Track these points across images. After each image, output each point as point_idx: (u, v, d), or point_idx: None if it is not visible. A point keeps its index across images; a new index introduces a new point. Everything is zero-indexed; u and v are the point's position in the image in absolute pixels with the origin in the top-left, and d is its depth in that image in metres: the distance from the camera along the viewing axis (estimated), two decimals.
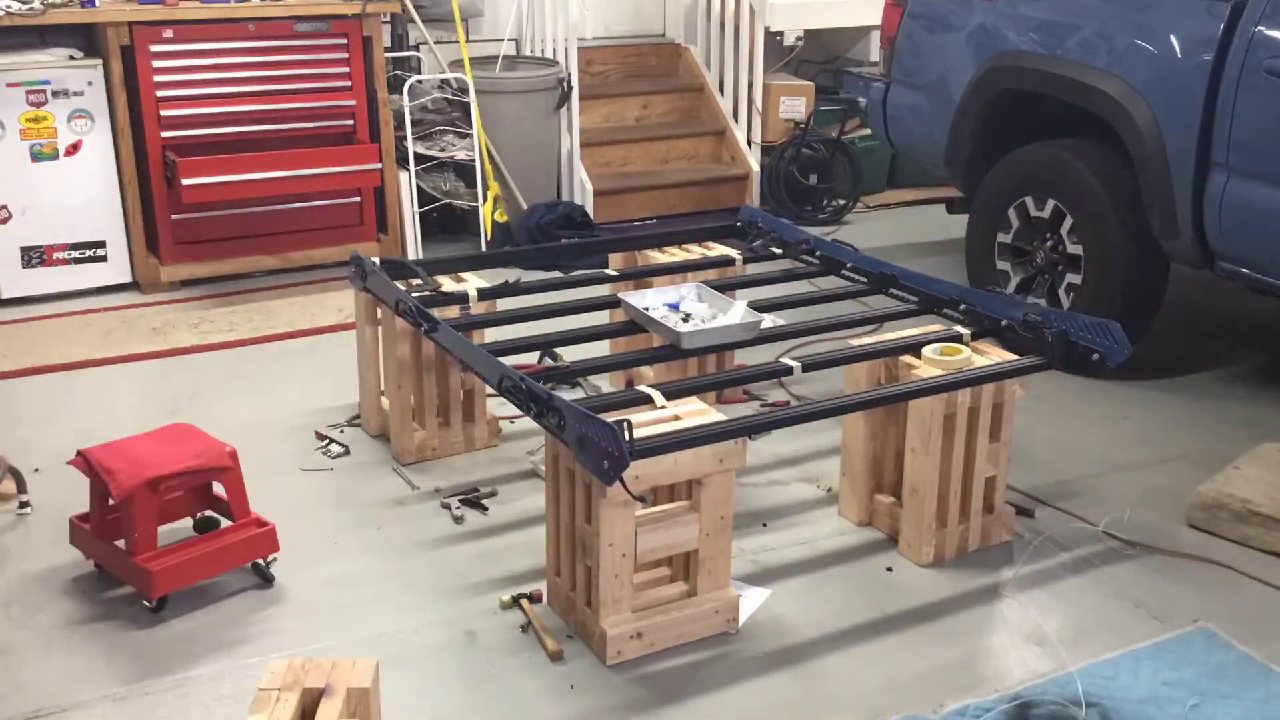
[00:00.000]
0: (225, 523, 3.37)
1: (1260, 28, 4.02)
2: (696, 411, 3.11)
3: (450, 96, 6.32)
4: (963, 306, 3.81)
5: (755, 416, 3.28)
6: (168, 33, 5.38)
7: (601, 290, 4.26)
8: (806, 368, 3.53)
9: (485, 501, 3.78)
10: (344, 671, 2.31)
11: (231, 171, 5.34)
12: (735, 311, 3.71)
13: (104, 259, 5.54)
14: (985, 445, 3.47)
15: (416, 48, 6.54)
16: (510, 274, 4.65)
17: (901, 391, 3.35)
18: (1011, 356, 3.51)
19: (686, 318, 3.72)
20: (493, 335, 3.96)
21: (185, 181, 5.24)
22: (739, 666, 3.03)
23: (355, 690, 2.27)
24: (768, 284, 4.24)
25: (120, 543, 3.23)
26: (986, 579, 3.43)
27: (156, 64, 5.39)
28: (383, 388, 4.14)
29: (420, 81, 6.30)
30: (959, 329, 3.67)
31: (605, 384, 4.53)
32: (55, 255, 5.45)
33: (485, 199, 6.08)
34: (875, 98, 5.73)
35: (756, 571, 3.43)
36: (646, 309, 3.76)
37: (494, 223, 6.08)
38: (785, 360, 3.65)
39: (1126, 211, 4.50)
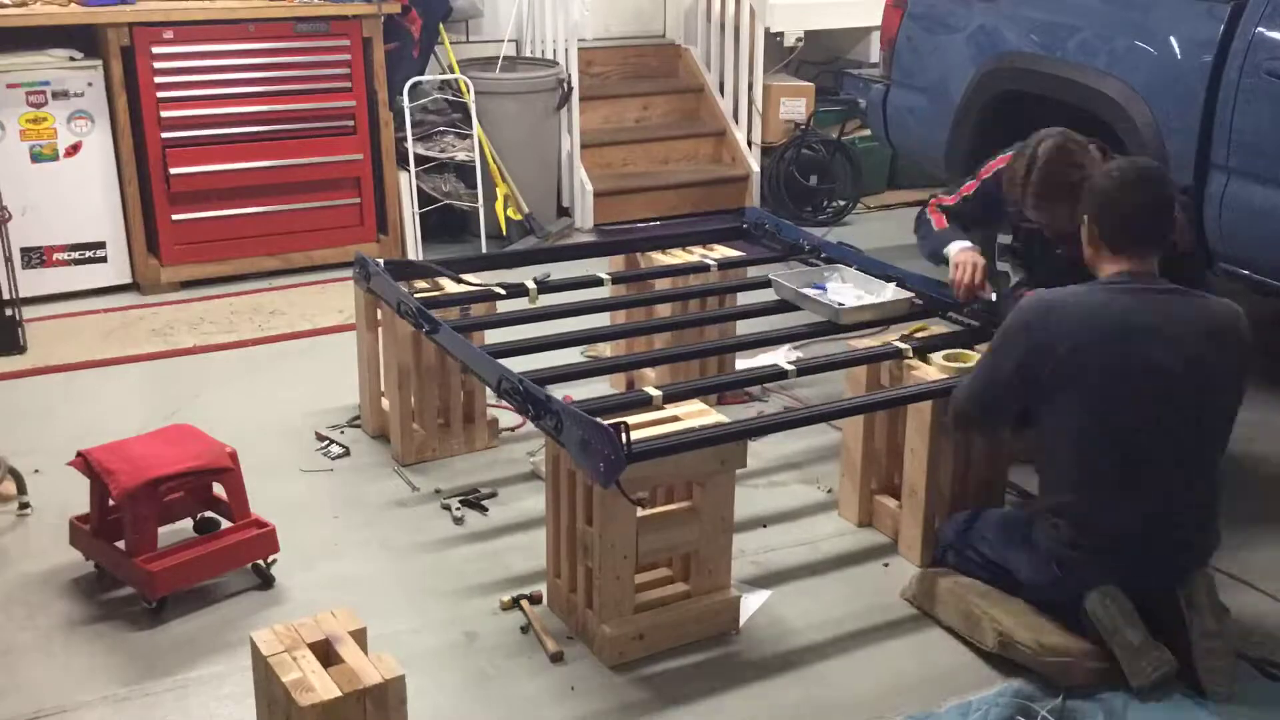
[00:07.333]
0: (225, 524, 3.37)
1: (1260, 29, 4.01)
2: (696, 412, 3.11)
3: (450, 98, 6.31)
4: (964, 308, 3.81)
5: (755, 420, 3.29)
6: (168, 33, 5.37)
7: (601, 291, 4.25)
8: (806, 371, 3.53)
9: (485, 503, 3.78)
10: (331, 623, 2.44)
11: (218, 161, 5.48)
12: (886, 291, 3.87)
13: (104, 260, 5.54)
14: (985, 446, 3.47)
15: None
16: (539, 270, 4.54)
17: (903, 395, 3.35)
18: None
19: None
20: (493, 336, 3.96)
21: (173, 171, 5.38)
22: (740, 668, 3.03)
23: (355, 633, 2.42)
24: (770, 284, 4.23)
25: (120, 543, 3.22)
26: None
27: (157, 65, 5.39)
28: (383, 389, 4.14)
29: (420, 82, 6.29)
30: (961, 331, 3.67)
31: (606, 386, 4.52)
32: (55, 256, 5.45)
33: (496, 198, 6.09)
34: (875, 99, 5.72)
35: (757, 573, 3.43)
36: (802, 290, 3.90)
37: (508, 220, 6.09)
38: (782, 363, 3.65)
39: None
